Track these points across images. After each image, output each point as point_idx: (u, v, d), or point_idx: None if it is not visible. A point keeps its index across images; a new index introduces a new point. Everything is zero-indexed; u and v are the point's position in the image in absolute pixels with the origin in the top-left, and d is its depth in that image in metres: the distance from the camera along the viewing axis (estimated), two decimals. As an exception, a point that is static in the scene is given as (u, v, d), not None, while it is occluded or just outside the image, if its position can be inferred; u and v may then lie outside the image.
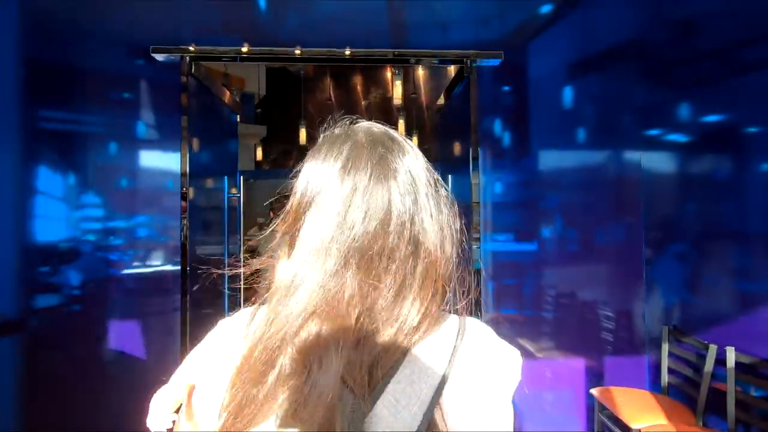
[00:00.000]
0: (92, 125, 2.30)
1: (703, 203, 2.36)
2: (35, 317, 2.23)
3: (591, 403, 2.49)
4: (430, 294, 0.51)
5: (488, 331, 0.54)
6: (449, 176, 2.86)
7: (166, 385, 0.83)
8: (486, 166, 2.45)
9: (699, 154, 2.39)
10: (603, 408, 2.38)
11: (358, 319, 0.48)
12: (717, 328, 2.22)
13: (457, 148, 2.99)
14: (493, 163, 2.49)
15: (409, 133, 7.47)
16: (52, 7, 2.27)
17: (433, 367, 0.48)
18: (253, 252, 0.70)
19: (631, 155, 2.52)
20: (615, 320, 2.54)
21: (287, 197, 0.56)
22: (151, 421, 0.81)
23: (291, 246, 0.53)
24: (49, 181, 2.27)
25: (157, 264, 2.36)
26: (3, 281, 2.17)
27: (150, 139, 2.37)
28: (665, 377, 2.42)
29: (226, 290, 2.53)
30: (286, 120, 8.27)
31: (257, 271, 0.58)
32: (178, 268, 2.25)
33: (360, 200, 0.50)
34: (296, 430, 0.44)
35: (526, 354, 2.51)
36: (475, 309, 2.41)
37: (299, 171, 0.55)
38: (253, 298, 0.56)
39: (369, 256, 0.49)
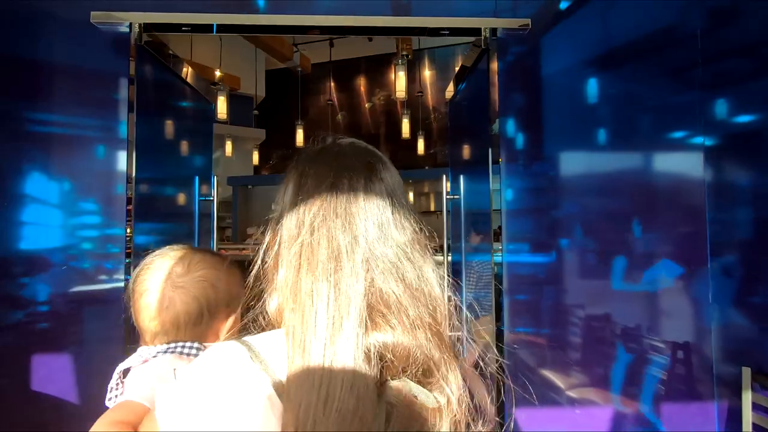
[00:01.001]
0: (51, 124, 1.86)
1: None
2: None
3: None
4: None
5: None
6: (461, 178, 2.38)
7: None
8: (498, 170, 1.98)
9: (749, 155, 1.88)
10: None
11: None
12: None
13: (466, 150, 2.55)
14: (507, 168, 2.03)
15: (413, 134, 7.04)
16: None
17: None
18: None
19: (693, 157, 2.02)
20: (669, 354, 2.03)
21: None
22: None
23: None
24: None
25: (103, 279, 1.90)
26: None
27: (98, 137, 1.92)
28: (745, 432, 1.87)
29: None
30: (286, 123, 7.88)
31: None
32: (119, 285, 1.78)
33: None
34: None
35: (552, 389, 2.00)
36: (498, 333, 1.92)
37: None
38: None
39: None
